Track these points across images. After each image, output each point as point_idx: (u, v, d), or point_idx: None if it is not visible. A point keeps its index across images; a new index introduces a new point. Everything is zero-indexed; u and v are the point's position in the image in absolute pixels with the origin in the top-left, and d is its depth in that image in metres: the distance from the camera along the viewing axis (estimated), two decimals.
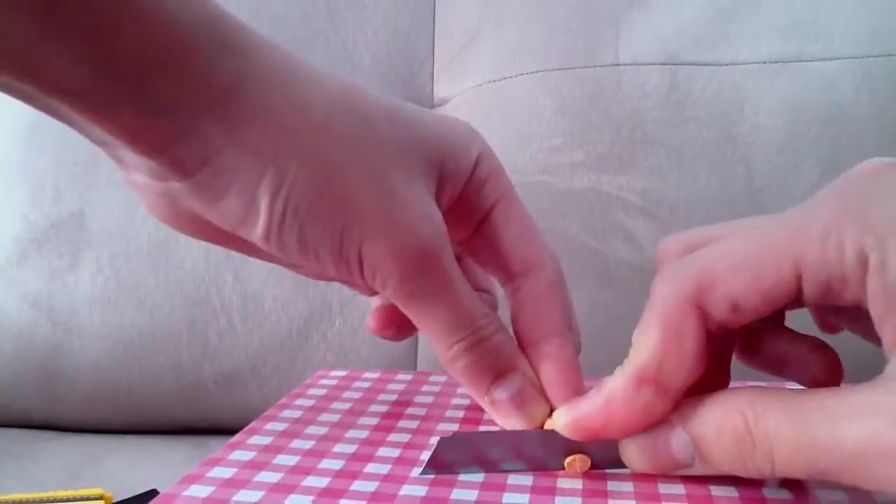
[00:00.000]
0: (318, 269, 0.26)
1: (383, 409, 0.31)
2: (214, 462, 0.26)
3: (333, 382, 0.35)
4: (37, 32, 0.20)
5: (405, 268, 0.26)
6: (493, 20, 0.59)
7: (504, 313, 0.30)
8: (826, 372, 0.26)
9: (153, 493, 0.44)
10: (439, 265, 0.26)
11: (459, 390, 0.33)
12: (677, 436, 0.23)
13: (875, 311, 0.21)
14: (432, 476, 0.25)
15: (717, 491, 0.24)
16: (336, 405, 0.32)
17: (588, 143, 0.53)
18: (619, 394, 0.24)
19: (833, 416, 0.20)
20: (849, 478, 0.20)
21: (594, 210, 0.53)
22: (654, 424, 0.24)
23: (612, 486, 0.24)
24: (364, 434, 0.28)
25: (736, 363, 0.28)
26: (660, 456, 0.24)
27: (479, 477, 0.25)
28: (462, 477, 0.25)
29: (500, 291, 0.32)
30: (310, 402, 0.32)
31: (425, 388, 0.34)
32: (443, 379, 0.35)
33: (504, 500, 0.23)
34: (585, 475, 0.25)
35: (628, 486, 0.24)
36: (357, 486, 0.24)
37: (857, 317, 0.23)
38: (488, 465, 0.26)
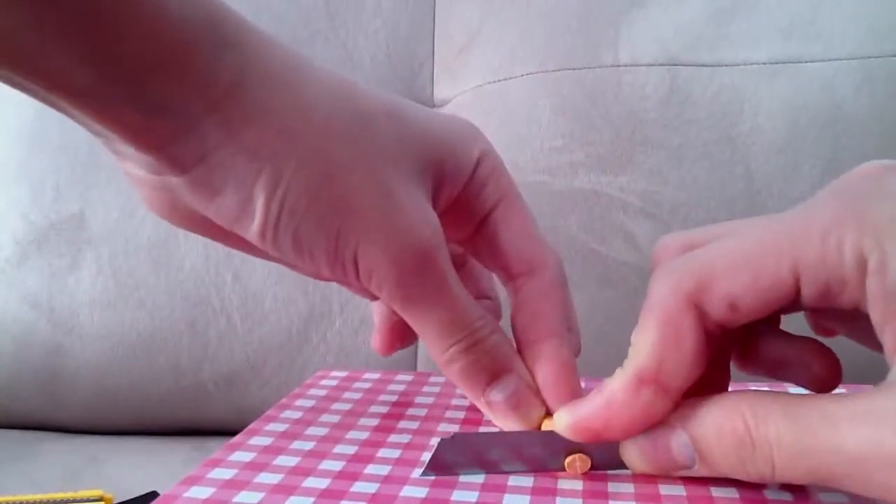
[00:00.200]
0: (313, 269, 0.26)
1: (384, 409, 0.31)
2: (215, 463, 0.26)
3: (334, 383, 0.35)
4: (36, 31, 0.20)
5: (401, 271, 0.26)
6: (493, 21, 0.59)
7: (508, 319, 0.30)
8: (826, 373, 0.25)
9: (153, 495, 0.44)
10: (435, 268, 0.26)
11: (459, 391, 0.33)
12: (678, 437, 0.23)
13: (875, 315, 0.21)
14: (433, 477, 0.25)
15: (717, 492, 0.24)
16: (336, 406, 0.32)
17: (588, 143, 0.54)
18: (619, 395, 0.24)
19: (834, 421, 0.20)
20: (849, 484, 0.20)
21: (594, 211, 0.53)
22: (655, 425, 0.24)
23: (612, 486, 0.24)
24: (364, 435, 0.28)
25: (734, 366, 0.28)
26: (660, 457, 0.24)
27: (479, 478, 0.25)
28: (462, 478, 0.25)
29: (503, 294, 0.32)
30: (310, 403, 0.32)
31: (425, 388, 0.34)
32: (442, 380, 0.35)
33: (504, 502, 0.23)
34: (586, 476, 0.25)
35: (629, 488, 0.24)
36: (358, 487, 0.24)
37: (854, 320, 0.23)
38: (488, 466, 0.26)
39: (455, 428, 0.29)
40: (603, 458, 0.25)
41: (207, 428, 0.58)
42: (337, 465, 0.26)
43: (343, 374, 0.36)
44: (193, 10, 0.23)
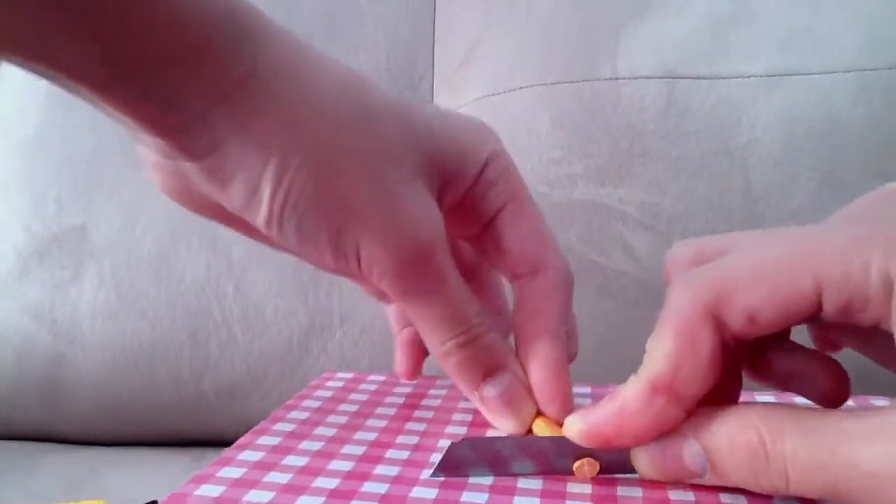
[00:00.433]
0: (318, 259, 0.27)
1: (391, 411, 0.31)
2: (225, 462, 0.26)
3: (340, 384, 0.35)
4: (50, 23, 0.21)
5: (401, 265, 0.26)
6: (493, 34, 0.59)
7: None
8: (834, 387, 0.26)
9: None
10: (435, 263, 0.27)
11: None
12: (689, 446, 0.23)
13: None
14: (442, 479, 0.25)
15: (726, 498, 0.24)
16: (343, 407, 0.32)
17: (587, 155, 0.54)
18: (632, 402, 0.24)
19: (850, 437, 0.20)
20: (864, 500, 0.20)
21: (593, 222, 0.53)
22: (667, 433, 0.24)
23: (621, 491, 0.24)
24: (372, 436, 0.29)
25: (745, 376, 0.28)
26: (671, 465, 0.24)
27: (488, 480, 0.25)
28: (472, 480, 0.25)
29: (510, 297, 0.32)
30: (316, 404, 0.32)
31: (432, 391, 0.34)
32: (449, 383, 0.35)
33: None
34: (595, 480, 0.25)
35: (637, 492, 0.24)
36: (368, 487, 0.24)
37: (871, 337, 0.23)
38: (498, 468, 0.26)
39: (462, 431, 0.30)
40: (612, 462, 0.25)
41: (208, 439, 0.58)
42: (346, 466, 0.26)
43: (349, 375, 0.36)
44: (208, 2, 0.23)
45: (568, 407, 0.28)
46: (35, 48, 0.21)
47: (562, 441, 0.25)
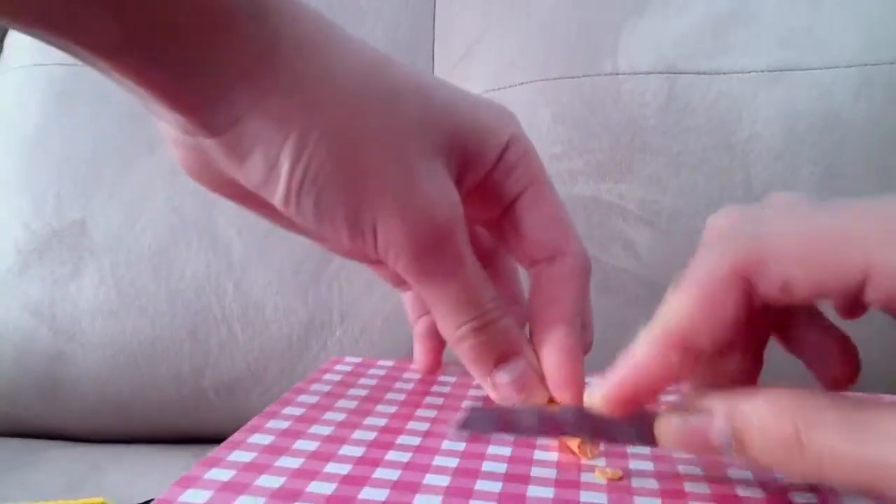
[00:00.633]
0: (334, 236, 0.26)
1: (401, 397, 0.31)
2: (234, 445, 0.26)
3: (348, 369, 0.35)
4: None
5: (417, 246, 0.26)
6: (493, 30, 0.59)
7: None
8: (843, 374, 0.25)
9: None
10: (452, 245, 0.27)
11: (475, 381, 0.33)
12: (718, 425, 0.23)
13: None
14: (455, 465, 0.25)
15: (743, 492, 0.24)
16: (353, 392, 0.32)
17: (587, 151, 0.54)
18: (644, 357, 0.23)
19: (891, 437, 0.20)
20: None
21: (593, 218, 0.53)
22: (696, 408, 0.23)
23: (636, 483, 0.24)
24: (382, 422, 0.28)
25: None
26: (695, 438, 0.23)
27: (501, 467, 0.25)
28: (485, 466, 0.25)
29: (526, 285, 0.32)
30: (326, 388, 0.32)
31: (442, 377, 0.34)
32: (458, 370, 0.35)
33: (528, 493, 0.23)
34: (609, 487, 0.25)
35: (653, 484, 0.24)
36: (380, 473, 0.24)
37: None
38: (514, 430, 0.26)
39: None
40: (634, 432, 0.25)
41: (208, 436, 0.58)
42: (357, 451, 0.26)
43: (357, 360, 0.36)
44: None
45: (580, 395, 0.28)
46: (53, 16, 0.21)
47: (579, 413, 0.25)
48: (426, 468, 0.25)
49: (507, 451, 0.26)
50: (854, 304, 0.26)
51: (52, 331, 0.57)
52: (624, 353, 0.24)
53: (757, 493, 0.24)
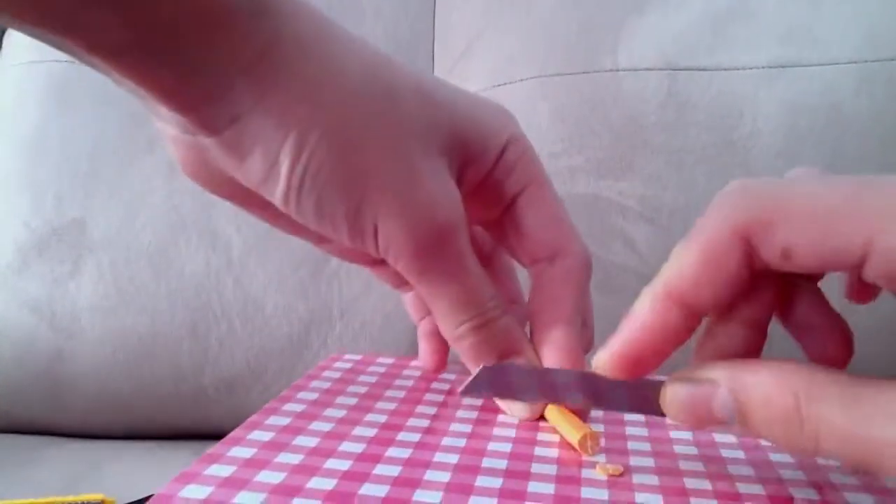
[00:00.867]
0: (334, 235, 0.26)
1: (401, 394, 0.31)
2: (234, 441, 0.26)
3: (348, 366, 0.35)
4: None
5: (418, 244, 0.26)
6: (493, 27, 0.59)
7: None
8: (836, 356, 0.25)
9: None
10: (452, 244, 0.27)
11: None
12: (722, 395, 0.22)
13: None
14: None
15: (744, 488, 0.24)
16: (353, 388, 0.32)
17: (587, 148, 0.54)
18: (645, 316, 0.23)
19: (891, 415, 0.20)
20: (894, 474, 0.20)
21: (593, 215, 0.53)
22: (701, 378, 0.23)
23: (637, 479, 0.24)
24: (382, 418, 0.28)
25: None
26: (699, 409, 0.23)
27: (502, 463, 0.25)
28: (486, 462, 0.25)
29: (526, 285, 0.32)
30: (326, 385, 0.32)
31: (443, 375, 0.34)
32: (458, 368, 0.35)
33: (529, 489, 0.23)
34: (610, 483, 0.25)
35: (654, 480, 0.24)
36: (379, 469, 0.24)
37: None
38: (519, 393, 0.26)
39: (473, 415, 0.29)
40: (637, 400, 0.25)
41: (208, 433, 0.58)
42: (358, 447, 0.26)
43: (357, 357, 0.36)
44: None
45: None
46: (54, 14, 0.21)
47: (589, 377, 0.25)
48: (427, 464, 0.25)
49: (507, 447, 0.26)
50: (861, 285, 0.26)
51: (51, 328, 0.57)
52: (627, 315, 0.24)
53: (758, 490, 0.24)
